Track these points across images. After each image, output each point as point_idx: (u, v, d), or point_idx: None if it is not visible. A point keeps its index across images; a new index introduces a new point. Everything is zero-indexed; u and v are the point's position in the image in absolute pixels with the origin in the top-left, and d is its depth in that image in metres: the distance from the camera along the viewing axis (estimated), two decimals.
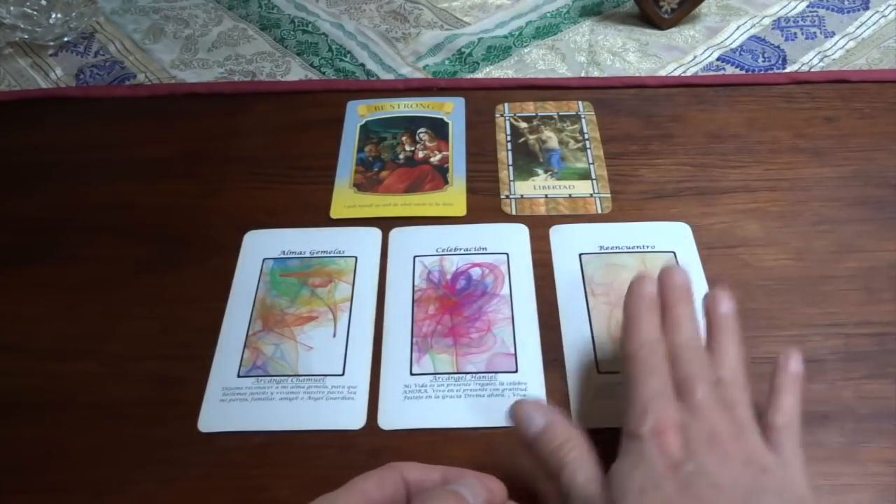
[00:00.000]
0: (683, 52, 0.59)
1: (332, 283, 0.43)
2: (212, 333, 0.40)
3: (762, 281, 0.42)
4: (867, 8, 0.63)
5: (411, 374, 0.38)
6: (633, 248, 0.44)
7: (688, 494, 0.27)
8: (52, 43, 0.61)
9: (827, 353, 0.39)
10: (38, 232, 0.47)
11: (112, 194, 0.49)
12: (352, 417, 0.37)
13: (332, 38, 0.61)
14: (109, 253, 0.45)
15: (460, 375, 0.38)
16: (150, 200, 0.48)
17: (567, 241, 0.44)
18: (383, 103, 0.55)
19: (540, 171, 0.49)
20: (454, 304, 0.41)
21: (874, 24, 0.61)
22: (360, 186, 0.49)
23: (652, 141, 0.51)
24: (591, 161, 0.50)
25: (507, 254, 0.44)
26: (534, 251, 0.44)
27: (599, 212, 0.46)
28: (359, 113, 0.54)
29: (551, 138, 0.51)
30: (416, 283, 0.42)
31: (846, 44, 0.59)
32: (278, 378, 0.38)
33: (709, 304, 0.34)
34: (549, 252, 0.44)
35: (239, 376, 0.39)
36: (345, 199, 0.48)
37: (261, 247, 0.45)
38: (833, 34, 0.60)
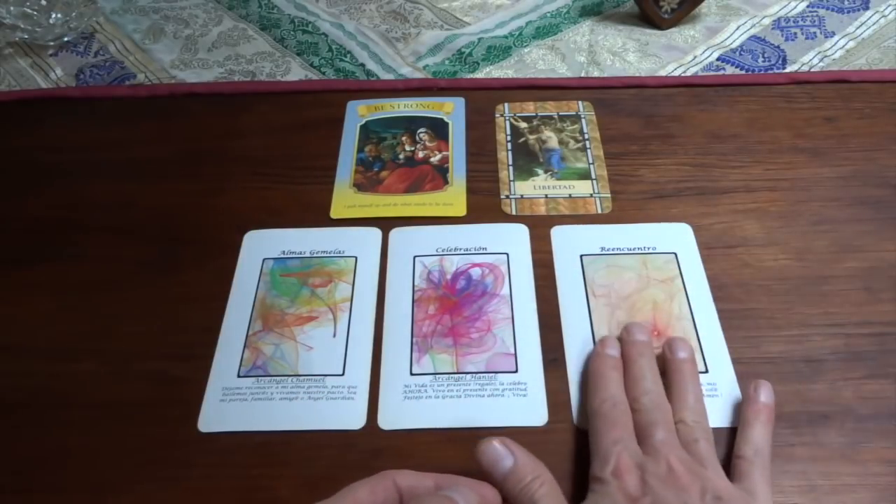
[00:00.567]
0: (683, 52, 0.59)
1: (332, 283, 0.43)
2: (212, 333, 0.40)
3: (762, 281, 0.42)
4: (867, 8, 0.63)
5: (411, 374, 0.38)
6: (634, 249, 0.44)
7: None
8: (52, 43, 0.61)
9: (827, 353, 0.39)
10: (38, 232, 0.47)
11: (112, 194, 0.49)
12: (352, 417, 0.37)
13: (332, 38, 0.61)
14: (109, 253, 0.45)
15: (460, 375, 0.38)
16: (150, 200, 0.48)
17: (568, 243, 0.44)
18: (383, 103, 0.55)
19: (540, 171, 0.49)
20: (454, 304, 0.41)
21: (874, 24, 0.61)
22: (360, 186, 0.49)
23: (652, 141, 0.51)
24: (591, 161, 0.50)
25: (507, 254, 0.44)
26: (534, 251, 0.44)
27: (599, 212, 0.46)
28: (359, 113, 0.54)
29: (551, 138, 0.51)
30: (416, 283, 0.42)
31: (846, 44, 0.59)
32: (278, 378, 0.38)
33: (667, 351, 0.37)
34: (549, 252, 0.44)
35: (239, 376, 0.39)
36: (345, 199, 0.48)
37: (261, 247, 0.45)
38: (833, 34, 0.60)
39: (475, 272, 0.43)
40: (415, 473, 0.30)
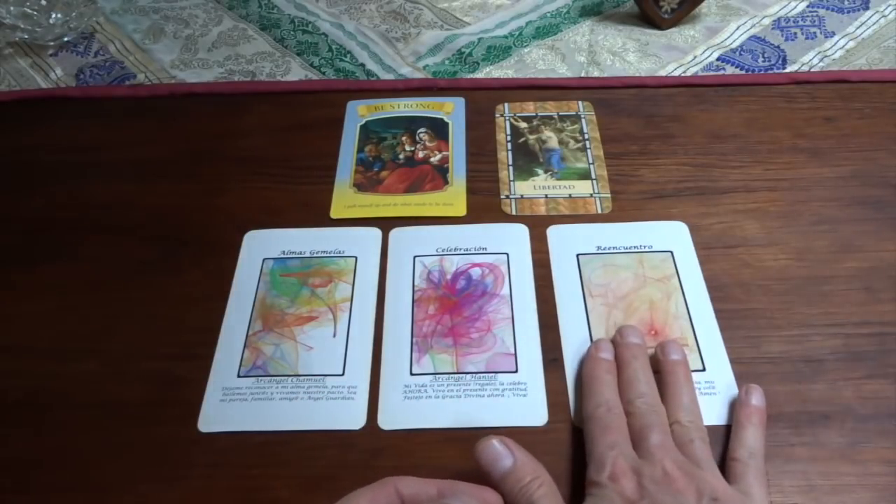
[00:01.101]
0: (683, 52, 0.59)
1: (332, 283, 0.43)
2: (212, 333, 0.40)
3: (762, 281, 0.42)
4: (867, 8, 0.63)
5: (411, 374, 0.38)
6: (630, 248, 0.44)
7: None
8: (52, 43, 0.61)
9: (827, 353, 0.39)
10: (38, 232, 0.47)
11: (112, 194, 0.49)
12: (352, 417, 0.37)
13: (332, 38, 0.61)
14: (109, 253, 0.45)
15: (460, 375, 0.38)
16: (150, 200, 0.48)
17: (565, 242, 0.44)
18: (383, 103, 0.55)
19: (540, 171, 0.49)
20: (454, 304, 0.41)
21: (874, 24, 0.61)
22: (360, 186, 0.49)
23: (652, 141, 0.51)
24: (591, 161, 0.50)
25: (507, 254, 0.44)
26: (534, 251, 0.44)
27: (599, 212, 0.46)
28: (359, 113, 0.54)
29: (551, 138, 0.51)
30: (416, 283, 0.42)
31: (846, 44, 0.59)
32: (278, 378, 0.38)
33: (660, 354, 0.38)
34: (548, 252, 0.44)
35: (239, 376, 0.39)
36: (345, 199, 0.48)
37: (261, 247, 0.45)
38: (833, 34, 0.60)
39: (475, 272, 0.43)
40: (417, 480, 0.30)
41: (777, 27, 0.61)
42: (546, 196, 0.47)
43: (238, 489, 0.34)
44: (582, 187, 0.48)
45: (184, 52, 0.61)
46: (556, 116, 0.53)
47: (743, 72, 0.57)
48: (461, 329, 0.40)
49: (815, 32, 0.61)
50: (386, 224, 0.46)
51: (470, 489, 0.30)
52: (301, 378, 0.38)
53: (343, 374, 0.38)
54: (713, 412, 0.36)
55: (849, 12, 0.63)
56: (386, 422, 0.37)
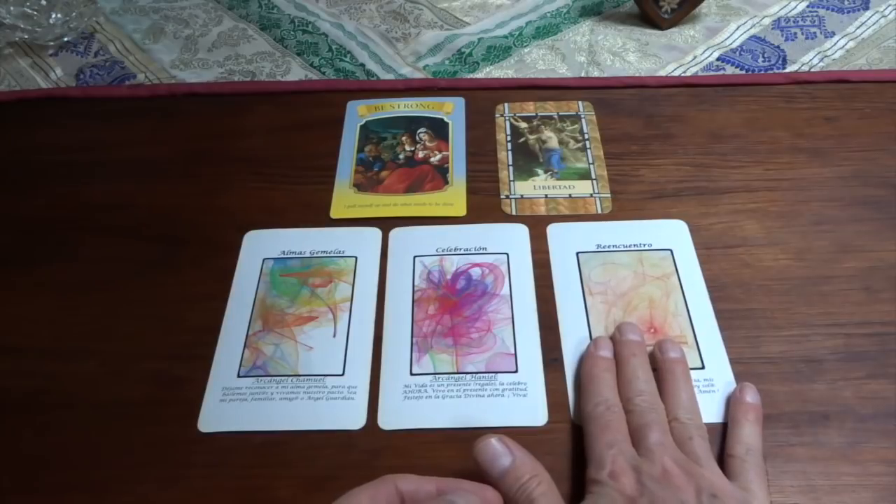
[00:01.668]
0: (683, 52, 0.59)
1: (332, 283, 0.43)
2: (212, 333, 0.40)
3: (762, 281, 0.42)
4: (867, 8, 0.63)
5: (411, 374, 0.38)
6: (630, 246, 0.44)
7: None
8: (52, 43, 0.61)
9: (827, 353, 0.39)
10: (38, 232, 0.47)
11: (112, 194, 0.49)
12: (352, 417, 0.37)
13: (332, 38, 0.61)
14: (109, 253, 0.45)
15: (460, 375, 0.38)
16: (150, 200, 0.48)
17: (564, 240, 0.44)
18: (383, 103, 0.55)
19: (540, 171, 0.49)
20: (454, 304, 0.41)
21: (874, 24, 0.61)
22: (360, 186, 0.49)
23: (652, 141, 0.51)
24: (591, 161, 0.50)
25: (507, 254, 0.44)
26: (534, 251, 0.44)
27: (599, 212, 0.46)
28: (359, 113, 0.54)
29: (551, 138, 0.51)
30: (416, 283, 0.42)
31: (846, 44, 0.59)
32: (278, 378, 0.38)
33: (658, 352, 0.38)
34: (548, 251, 0.44)
35: (239, 376, 0.39)
36: (345, 199, 0.48)
37: (261, 247, 0.45)
38: (833, 34, 0.60)
39: (475, 272, 0.43)
40: (416, 478, 0.30)
41: (777, 27, 0.61)
42: (546, 196, 0.47)
43: (238, 489, 0.34)
44: (582, 187, 0.48)
45: (184, 52, 0.61)
46: (556, 116, 0.53)
47: (743, 72, 0.57)
48: (461, 329, 0.40)
49: (815, 32, 0.61)
50: (386, 224, 0.46)
51: (470, 487, 0.30)
52: (301, 378, 0.38)
53: (343, 374, 0.38)
54: (712, 410, 0.36)
55: (849, 12, 0.63)
56: (386, 422, 0.37)
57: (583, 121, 0.53)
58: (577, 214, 0.46)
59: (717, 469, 0.32)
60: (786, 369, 0.38)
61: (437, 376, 0.38)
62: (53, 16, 0.60)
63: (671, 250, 0.43)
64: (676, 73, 0.57)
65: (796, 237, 0.44)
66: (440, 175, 0.49)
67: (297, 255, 0.44)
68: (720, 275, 0.42)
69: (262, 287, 0.43)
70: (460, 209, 0.47)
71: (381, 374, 0.38)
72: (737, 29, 0.61)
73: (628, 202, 0.47)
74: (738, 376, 0.38)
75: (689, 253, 0.43)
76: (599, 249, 0.44)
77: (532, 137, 0.52)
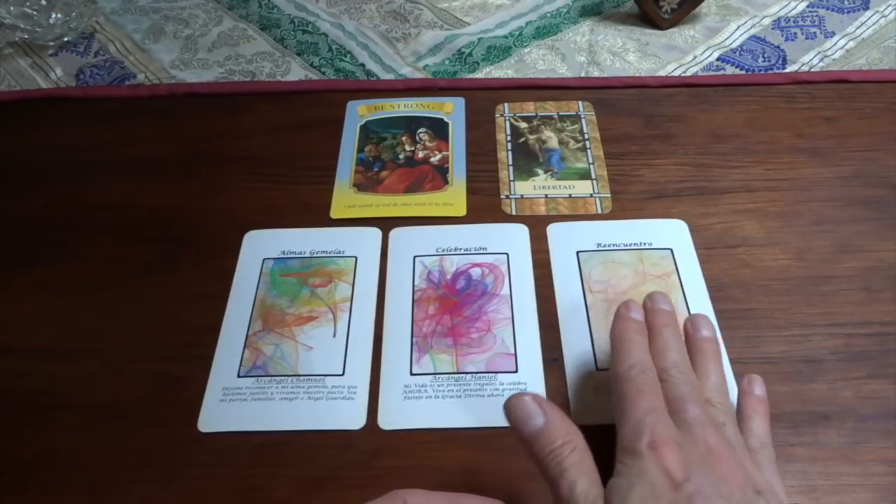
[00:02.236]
0: (683, 52, 0.59)
1: (332, 283, 0.43)
2: (212, 333, 0.40)
3: (762, 281, 0.42)
4: (867, 8, 0.63)
5: (411, 374, 0.38)
6: (630, 245, 0.44)
7: None
8: (52, 43, 0.61)
9: (827, 353, 0.39)
10: (38, 232, 0.47)
11: (112, 194, 0.49)
12: (352, 417, 0.37)
13: (332, 38, 0.61)
14: (109, 253, 0.45)
15: (460, 375, 0.38)
16: (150, 200, 0.48)
17: (565, 239, 0.44)
18: (383, 103, 0.55)
19: (540, 171, 0.49)
20: (454, 304, 0.41)
21: (874, 24, 0.61)
22: (360, 186, 0.49)
23: (652, 141, 0.51)
24: (591, 161, 0.50)
25: (507, 254, 0.44)
26: (534, 251, 0.44)
27: (599, 212, 0.46)
28: (359, 113, 0.54)
29: (551, 138, 0.51)
30: (416, 283, 0.42)
31: (846, 44, 0.59)
32: (278, 378, 0.38)
33: (690, 329, 0.35)
34: (548, 251, 0.44)
35: (239, 376, 0.39)
36: (345, 199, 0.48)
37: (261, 247, 0.45)
38: (833, 34, 0.60)
39: (475, 272, 0.43)
40: (426, 493, 0.29)
41: (777, 27, 0.61)
42: (546, 196, 0.47)
43: (238, 489, 0.34)
44: (582, 187, 0.48)
45: (184, 52, 0.61)
46: (556, 116, 0.53)
47: (743, 72, 0.57)
48: (461, 329, 0.40)
49: (815, 32, 0.61)
50: (386, 224, 0.46)
51: (479, 502, 0.29)
52: (301, 378, 0.38)
53: (343, 374, 0.38)
54: None
55: (849, 12, 0.63)
56: (386, 422, 0.37)
57: (583, 121, 0.53)
58: (577, 214, 0.46)
59: (752, 462, 0.29)
60: (786, 369, 0.38)
61: (437, 376, 0.38)
62: (53, 16, 0.60)
63: (671, 249, 0.43)
64: (676, 73, 0.57)
65: (796, 237, 0.44)
66: (440, 175, 0.49)
67: (297, 255, 0.44)
68: (720, 275, 0.42)
69: (262, 287, 0.43)
70: (460, 209, 0.47)
71: (381, 374, 0.38)
72: (737, 29, 0.61)
73: (628, 202, 0.47)
74: (739, 376, 0.37)
75: (690, 252, 0.43)
76: (600, 248, 0.44)
77: (532, 137, 0.52)
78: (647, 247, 0.44)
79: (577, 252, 0.44)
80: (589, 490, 0.27)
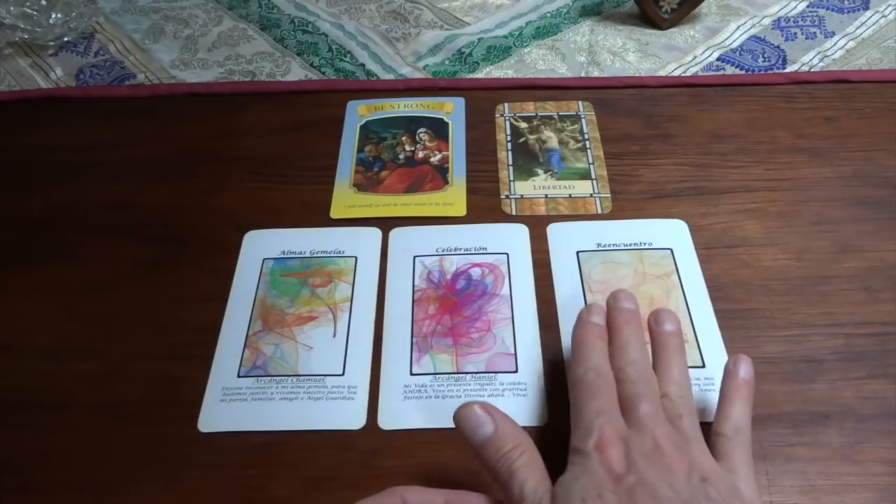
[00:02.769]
0: (683, 52, 0.59)
1: (332, 283, 0.43)
2: (212, 333, 0.40)
3: (762, 281, 0.42)
4: (867, 8, 0.63)
5: (411, 374, 0.38)
6: (630, 245, 0.44)
7: None
8: (52, 43, 0.61)
9: (827, 353, 0.39)
10: (38, 232, 0.47)
11: (112, 194, 0.49)
12: (352, 417, 0.37)
13: (332, 38, 0.61)
14: (109, 253, 0.45)
15: (460, 375, 0.38)
16: (150, 200, 0.48)
17: (565, 239, 0.44)
18: (383, 103, 0.55)
19: (540, 171, 0.49)
20: (454, 304, 0.41)
21: (874, 24, 0.61)
22: (360, 186, 0.49)
23: (652, 141, 0.51)
24: (591, 161, 0.50)
25: (507, 254, 0.44)
26: (534, 251, 0.44)
27: (599, 212, 0.46)
28: (359, 113, 0.54)
29: (551, 138, 0.51)
30: (416, 283, 0.42)
31: (846, 44, 0.59)
32: (278, 378, 0.38)
33: (652, 323, 0.36)
34: (548, 251, 0.44)
35: (239, 376, 0.39)
36: (345, 199, 0.48)
37: (261, 247, 0.45)
38: (833, 34, 0.60)
39: (475, 272, 0.43)
40: (424, 490, 0.29)
41: (777, 27, 0.61)
42: (546, 196, 0.47)
43: (238, 489, 0.34)
44: (582, 187, 0.48)
45: (184, 52, 0.61)
46: (556, 116, 0.53)
47: (743, 72, 0.57)
48: (461, 329, 0.40)
49: (815, 32, 0.61)
50: (386, 224, 0.46)
51: (478, 499, 0.30)
52: (301, 378, 0.38)
53: (343, 374, 0.38)
54: (712, 409, 0.36)
55: (849, 12, 0.63)
56: (386, 422, 0.37)
57: (583, 121, 0.53)
58: (577, 214, 0.46)
59: (706, 450, 0.30)
60: (786, 369, 0.38)
61: (437, 376, 0.38)
62: (53, 16, 0.60)
63: (671, 249, 0.43)
64: (676, 73, 0.57)
65: (796, 237, 0.44)
66: (440, 175, 0.49)
67: (297, 255, 0.44)
68: (720, 274, 0.42)
69: (262, 287, 0.43)
70: (460, 209, 0.47)
71: (381, 374, 0.38)
72: (737, 29, 0.61)
73: (628, 202, 0.47)
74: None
75: (689, 252, 0.43)
76: (600, 248, 0.44)
77: (532, 137, 0.52)
78: (647, 247, 0.44)
79: (577, 252, 0.44)
80: (537, 487, 0.28)
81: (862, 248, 0.44)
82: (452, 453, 0.35)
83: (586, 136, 0.51)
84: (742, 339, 0.39)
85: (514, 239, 0.45)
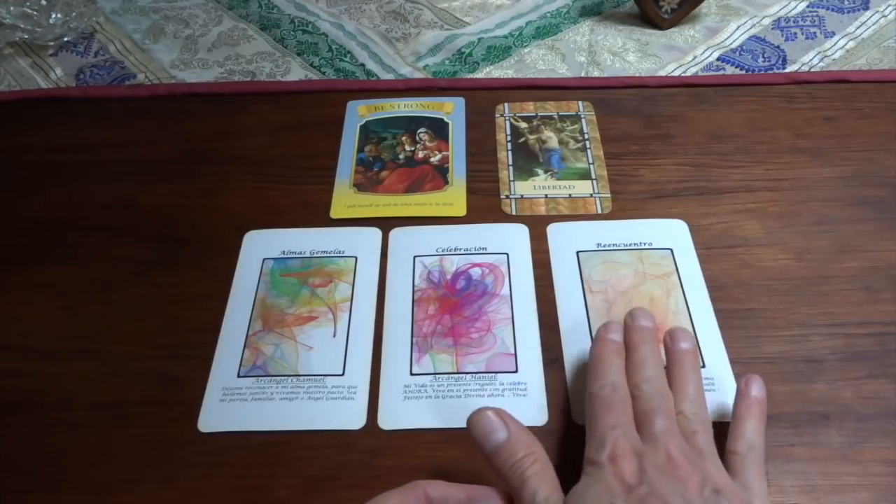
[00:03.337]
0: (683, 52, 0.59)
1: (332, 283, 0.43)
2: (212, 333, 0.40)
3: (762, 281, 0.42)
4: (867, 8, 0.63)
5: (411, 374, 0.38)
6: (630, 245, 0.44)
7: None
8: (52, 43, 0.61)
9: (827, 353, 0.39)
10: (38, 232, 0.47)
11: (112, 194, 0.49)
12: (352, 417, 0.37)
13: (332, 38, 0.61)
14: (109, 253, 0.45)
15: (460, 375, 0.38)
16: (150, 200, 0.48)
17: (565, 239, 0.44)
18: (383, 103, 0.55)
19: (540, 171, 0.49)
20: (454, 304, 0.41)
21: (874, 24, 0.61)
22: (360, 186, 0.49)
23: (652, 141, 0.51)
24: (591, 161, 0.50)
25: (507, 254, 0.44)
26: (534, 251, 0.44)
27: (599, 212, 0.46)
28: (359, 113, 0.54)
29: (551, 138, 0.51)
30: (416, 283, 0.42)
31: (846, 44, 0.59)
32: (278, 378, 0.38)
33: (668, 341, 0.36)
34: (548, 251, 0.44)
35: (239, 376, 0.39)
36: (345, 199, 0.48)
37: (261, 247, 0.45)
38: (833, 34, 0.60)
39: (475, 272, 0.43)
40: (446, 484, 0.30)
41: (777, 27, 0.61)
42: (546, 196, 0.47)
43: (238, 489, 0.34)
44: (582, 187, 0.48)
45: (184, 52, 0.61)
46: (556, 116, 0.53)
47: (743, 72, 0.57)
48: (461, 329, 0.40)
49: (815, 32, 0.61)
50: (386, 224, 0.46)
51: (499, 495, 0.30)
52: (301, 378, 0.38)
53: (343, 374, 0.38)
54: (711, 408, 0.36)
55: (849, 12, 0.63)
56: (386, 422, 0.37)
57: (583, 121, 0.53)
58: (577, 214, 0.46)
59: (720, 465, 0.31)
60: (786, 369, 0.38)
61: (437, 376, 0.38)
62: (53, 16, 0.60)
63: (671, 249, 0.43)
64: (676, 73, 0.57)
65: (796, 237, 0.44)
66: (440, 175, 0.49)
67: (297, 255, 0.44)
68: (720, 274, 0.42)
69: (262, 287, 0.43)
70: (460, 209, 0.47)
71: (381, 374, 0.38)
72: (737, 29, 0.61)
73: (628, 202, 0.47)
74: (738, 376, 0.38)
75: (690, 252, 0.43)
76: (600, 248, 0.44)
77: (532, 137, 0.52)
78: (647, 247, 0.44)
79: (577, 252, 0.44)
80: (549, 496, 0.29)
81: (862, 248, 0.44)
82: (453, 453, 0.35)
83: (586, 136, 0.51)
84: (742, 339, 0.39)
85: (514, 239, 0.45)
